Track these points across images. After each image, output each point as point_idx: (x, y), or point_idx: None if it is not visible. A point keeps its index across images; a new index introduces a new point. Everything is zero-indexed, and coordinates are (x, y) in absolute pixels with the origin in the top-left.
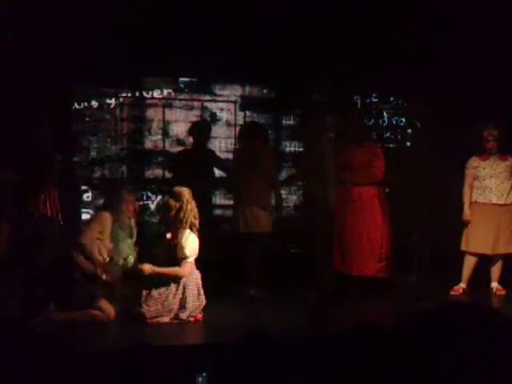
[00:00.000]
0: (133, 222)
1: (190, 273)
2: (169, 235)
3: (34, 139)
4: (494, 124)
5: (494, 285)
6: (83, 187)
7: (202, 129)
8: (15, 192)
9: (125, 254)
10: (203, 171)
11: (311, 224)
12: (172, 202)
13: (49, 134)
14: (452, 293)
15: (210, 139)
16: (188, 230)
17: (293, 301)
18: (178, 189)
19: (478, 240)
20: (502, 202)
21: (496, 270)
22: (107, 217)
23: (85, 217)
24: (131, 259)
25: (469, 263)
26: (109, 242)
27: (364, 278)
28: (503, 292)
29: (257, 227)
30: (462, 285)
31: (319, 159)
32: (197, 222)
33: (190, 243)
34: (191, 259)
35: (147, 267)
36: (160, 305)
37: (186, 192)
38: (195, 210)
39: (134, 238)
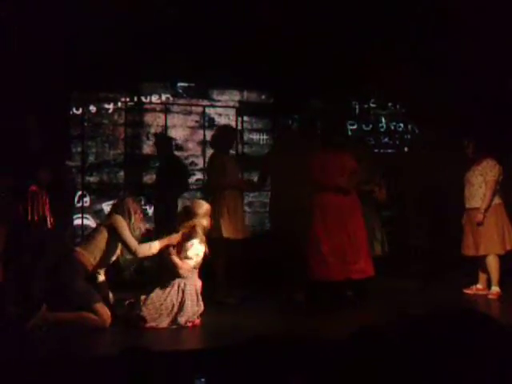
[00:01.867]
0: (140, 232)
1: (187, 272)
2: (174, 237)
3: (23, 141)
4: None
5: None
6: (81, 192)
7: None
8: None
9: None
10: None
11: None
12: (188, 210)
13: (36, 137)
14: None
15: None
16: (196, 238)
17: (290, 305)
18: (199, 201)
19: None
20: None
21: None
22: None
23: (78, 222)
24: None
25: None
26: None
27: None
28: (492, 296)
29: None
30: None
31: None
32: (204, 238)
33: (194, 248)
34: (191, 262)
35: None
36: (159, 308)
37: (205, 206)
38: (208, 226)
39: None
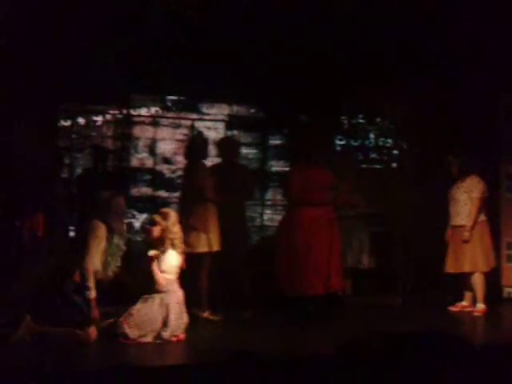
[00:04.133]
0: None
1: (165, 286)
2: (151, 252)
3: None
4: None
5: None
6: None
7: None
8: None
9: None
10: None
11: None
12: (158, 219)
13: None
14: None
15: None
16: (171, 250)
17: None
18: (165, 210)
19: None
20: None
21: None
22: (102, 226)
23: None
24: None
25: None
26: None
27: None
28: (477, 313)
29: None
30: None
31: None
32: (182, 245)
33: (170, 260)
34: (168, 276)
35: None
36: (142, 324)
37: (172, 214)
38: (180, 234)
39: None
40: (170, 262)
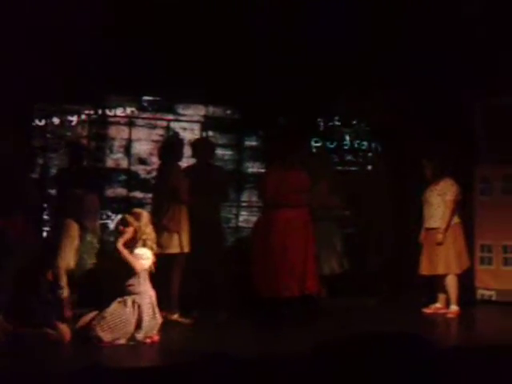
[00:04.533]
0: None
1: (141, 270)
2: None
3: None
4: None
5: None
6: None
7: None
8: None
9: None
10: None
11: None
12: (131, 220)
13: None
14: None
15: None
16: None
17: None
18: (137, 210)
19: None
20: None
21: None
22: (74, 225)
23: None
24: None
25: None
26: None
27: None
28: (451, 315)
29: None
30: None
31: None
32: (154, 246)
33: (142, 250)
34: (143, 261)
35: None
36: (115, 327)
37: (145, 214)
38: (153, 235)
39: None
40: (143, 250)
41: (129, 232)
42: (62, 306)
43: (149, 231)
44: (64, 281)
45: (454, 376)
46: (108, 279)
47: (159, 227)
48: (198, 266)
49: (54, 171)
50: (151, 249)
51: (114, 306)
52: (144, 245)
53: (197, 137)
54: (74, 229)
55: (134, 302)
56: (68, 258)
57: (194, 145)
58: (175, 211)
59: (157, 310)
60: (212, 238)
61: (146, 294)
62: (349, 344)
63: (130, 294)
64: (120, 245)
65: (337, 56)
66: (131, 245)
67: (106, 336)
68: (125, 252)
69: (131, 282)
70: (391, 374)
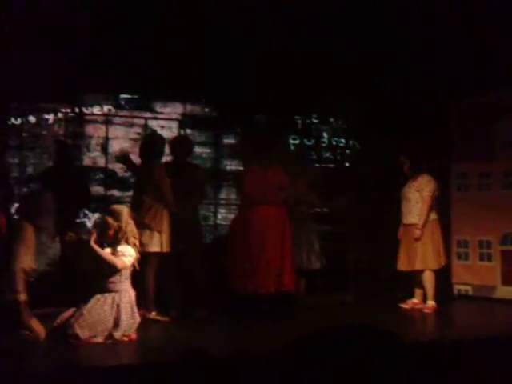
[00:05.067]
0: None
1: (123, 268)
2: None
3: None
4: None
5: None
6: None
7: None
8: None
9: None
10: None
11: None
12: (110, 221)
13: None
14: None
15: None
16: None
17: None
18: (117, 207)
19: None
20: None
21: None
22: (28, 227)
23: None
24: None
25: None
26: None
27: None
28: (427, 310)
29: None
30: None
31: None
32: (137, 242)
33: (126, 247)
34: (126, 259)
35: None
36: (93, 325)
37: (125, 211)
38: (135, 231)
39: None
40: (126, 247)
41: (110, 233)
42: (20, 311)
43: (130, 228)
44: (20, 285)
45: (428, 370)
46: (86, 278)
47: (140, 225)
48: (178, 265)
49: (29, 170)
50: (134, 246)
51: (93, 302)
52: (127, 243)
53: (175, 135)
54: (28, 231)
55: (113, 300)
56: (23, 261)
57: (172, 143)
58: (158, 210)
59: (135, 309)
60: (191, 236)
61: (126, 292)
62: (313, 339)
63: (110, 291)
64: (93, 244)
65: (315, 54)
66: (114, 243)
67: (84, 333)
68: (99, 250)
69: (112, 279)
70: (357, 367)
